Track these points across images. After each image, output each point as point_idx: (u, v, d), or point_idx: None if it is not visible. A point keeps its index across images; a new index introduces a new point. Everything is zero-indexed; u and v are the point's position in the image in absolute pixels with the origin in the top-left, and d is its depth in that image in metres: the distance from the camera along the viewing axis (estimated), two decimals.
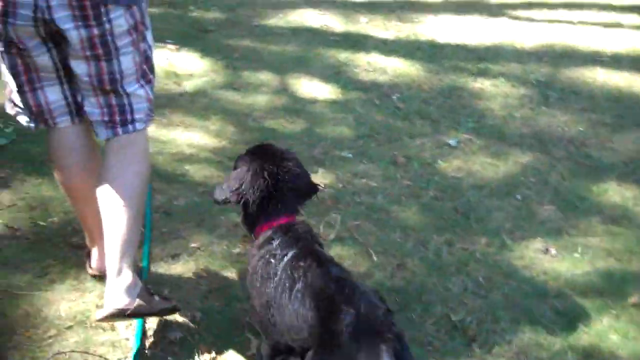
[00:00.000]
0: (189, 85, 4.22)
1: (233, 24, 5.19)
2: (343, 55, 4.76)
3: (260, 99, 4.13)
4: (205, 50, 4.69)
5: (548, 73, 4.65)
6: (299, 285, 1.93)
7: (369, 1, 5.74)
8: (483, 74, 4.60)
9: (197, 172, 3.35)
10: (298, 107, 4.07)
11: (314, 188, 2.19)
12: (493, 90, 4.39)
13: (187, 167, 3.40)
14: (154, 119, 2.36)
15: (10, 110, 2.27)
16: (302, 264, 1.98)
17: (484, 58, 4.83)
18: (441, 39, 5.12)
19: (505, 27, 5.36)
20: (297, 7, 5.56)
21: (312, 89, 4.28)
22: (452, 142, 3.77)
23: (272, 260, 2.03)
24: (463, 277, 2.79)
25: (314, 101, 4.14)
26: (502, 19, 5.50)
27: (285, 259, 2.02)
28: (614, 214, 3.27)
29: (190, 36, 4.88)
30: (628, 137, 3.93)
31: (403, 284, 2.73)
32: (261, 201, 2.08)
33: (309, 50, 4.81)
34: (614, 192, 3.44)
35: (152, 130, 3.58)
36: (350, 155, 3.60)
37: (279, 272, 2.00)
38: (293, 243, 2.04)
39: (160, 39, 4.65)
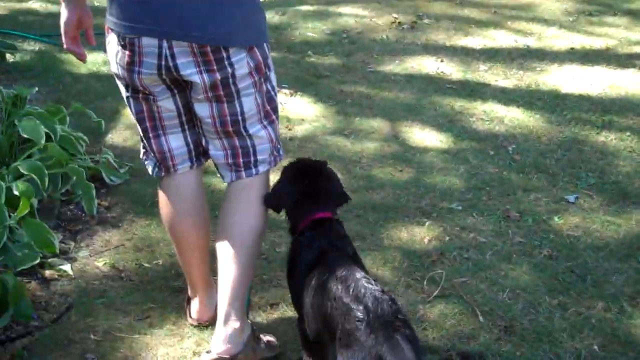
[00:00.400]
0: (300, 130, 4.22)
1: (348, 69, 5.19)
2: (458, 104, 4.64)
3: (370, 146, 4.07)
4: (319, 96, 4.70)
5: None
6: (313, 283, 2.03)
7: (490, 48, 5.60)
8: (608, 127, 4.34)
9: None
10: (408, 155, 3.98)
11: (344, 196, 2.36)
12: (618, 144, 4.13)
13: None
14: (280, 161, 2.34)
15: (142, 155, 2.33)
16: (321, 259, 2.09)
17: (609, 110, 4.57)
18: (564, 89, 4.90)
19: (634, 78, 5.07)
20: (414, 54, 5.50)
21: (424, 137, 4.18)
22: (570, 198, 3.56)
23: (301, 252, 2.17)
24: (577, 344, 2.58)
25: (424, 150, 4.04)
26: (630, 70, 5.21)
27: (310, 253, 2.14)
28: None
29: (305, 81, 4.91)
30: None
31: (511, 349, 2.55)
32: (296, 204, 2.27)
33: (423, 98, 4.72)
34: None
35: None
36: (459, 207, 3.47)
37: (302, 266, 2.14)
38: (320, 237, 2.16)
39: (277, 83, 4.69)
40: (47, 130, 3.14)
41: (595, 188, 3.67)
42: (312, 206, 2.25)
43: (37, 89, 3.98)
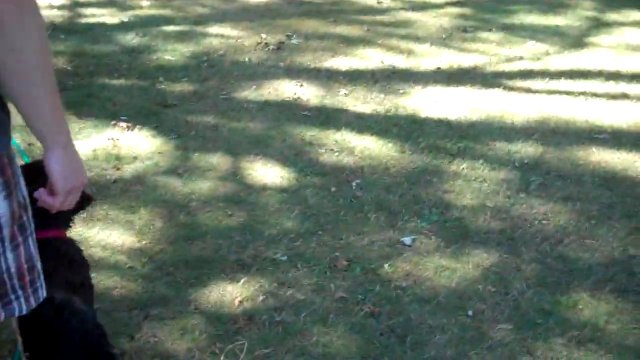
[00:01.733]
0: (128, 170, 3.85)
1: (200, 97, 4.84)
2: (310, 134, 4.34)
3: (203, 186, 3.73)
4: (160, 128, 4.33)
5: (535, 153, 4.14)
6: None
7: (354, 70, 5.35)
8: (462, 154, 4.12)
9: (100, 282, 2.93)
10: (242, 196, 3.65)
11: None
12: (469, 174, 3.91)
13: (91, 274, 2.98)
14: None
15: None
16: None
17: (466, 136, 4.36)
18: (424, 113, 4.67)
19: (497, 99, 4.89)
20: (273, 78, 5.19)
21: (265, 174, 3.86)
22: (407, 240, 3.30)
23: None
24: None
25: (262, 189, 3.72)
26: (496, 90, 5.02)
27: None
28: (580, 335, 2.74)
29: (148, 112, 4.54)
30: (614, 232, 3.39)
31: None
32: None
33: (274, 128, 4.41)
34: (585, 305, 2.90)
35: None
36: (284, 257, 3.16)
37: None
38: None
39: (114, 116, 4.32)
40: None
41: (436, 226, 3.42)
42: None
43: None
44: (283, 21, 6.50)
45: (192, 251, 3.18)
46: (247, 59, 5.55)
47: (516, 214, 3.53)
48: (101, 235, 3.27)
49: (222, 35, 6.08)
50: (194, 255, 3.15)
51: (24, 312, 1.71)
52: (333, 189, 3.74)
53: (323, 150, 4.16)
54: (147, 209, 3.49)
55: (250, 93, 4.92)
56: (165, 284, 2.95)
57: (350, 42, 5.98)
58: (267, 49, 5.79)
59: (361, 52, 5.76)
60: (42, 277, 1.78)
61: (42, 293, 1.78)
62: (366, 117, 4.63)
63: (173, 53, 5.63)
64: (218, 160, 4.00)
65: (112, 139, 4.15)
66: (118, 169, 3.88)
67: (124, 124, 4.35)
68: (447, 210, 3.57)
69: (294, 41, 5.97)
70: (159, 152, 4.07)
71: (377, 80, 5.20)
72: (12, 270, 1.63)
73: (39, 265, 1.76)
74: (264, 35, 6.05)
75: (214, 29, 6.25)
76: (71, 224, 2.19)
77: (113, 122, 4.37)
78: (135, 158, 4.00)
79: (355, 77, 5.24)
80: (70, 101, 4.63)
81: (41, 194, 1.57)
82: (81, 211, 2.27)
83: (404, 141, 4.29)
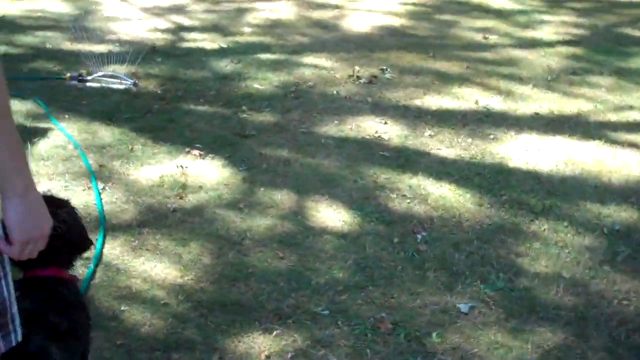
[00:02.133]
0: (190, 201, 3.76)
1: (279, 129, 4.72)
2: (384, 176, 4.12)
3: (261, 224, 3.58)
4: (231, 159, 4.24)
5: (629, 219, 3.74)
6: None
7: (445, 109, 5.09)
8: (546, 213, 3.77)
9: (131, 316, 2.83)
10: (298, 238, 3.47)
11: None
12: (549, 237, 3.56)
13: (124, 307, 2.90)
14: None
15: None
16: None
17: (554, 192, 4.00)
18: (512, 163, 4.34)
19: (597, 153, 4.48)
20: (358, 113, 5.01)
21: (327, 216, 3.67)
22: (463, 307, 3.00)
23: None
24: None
25: (320, 232, 3.53)
26: (596, 142, 4.62)
27: None
28: None
29: (224, 141, 4.46)
30: None
31: None
32: None
33: (347, 167, 4.21)
34: None
35: (116, 253, 3.16)
36: (326, 312, 2.95)
37: None
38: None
39: (189, 143, 4.27)
40: None
41: (501, 295, 3.11)
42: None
43: None
44: (380, 54, 6.31)
45: (231, 294, 3.03)
46: (335, 92, 5.40)
47: (594, 290, 3.15)
48: (145, 266, 3.18)
49: (315, 66, 5.97)
50: (233, 298, 2.99)
51: None
52: (395, 240, 3.49)
53: (394, 196, 3.92)
54: (199, 243, 3.38)
55: (331, 128, 4.75)
56: (195, 327, 2.80)
57: (446, 79, 5.71)
58: (358, 82, 5.62)
59: (456, 91, 5.48)
60: (16, 321, 1.67)
61: (15, 338, 1.66)
62: (448, 162, 4.34)
63: (262, 82, 5.56)
64: (282, 197, 3.85)
65: (182, 166, 4.09)
66: (181, 197, 3.79)
67: (197, 152, 4.28)
68: (516, 276, 3.24)
69: (387, 75, 5.77)
70: (225, 184, 3.96)
71: (467, 123, 4.90)
72: None
73: (14, 308, 1.65)
74: (357, 68, 5.89)
75: (308, 59, 6.14)
76: (73, 264, 2.07)
77: (187, 150, 4.31)
78: (200, 188, 3.91)
79: (444, 118, 4.97)
80: (149, 125, 4.63)
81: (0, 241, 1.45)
82: (83, 254, 2.14)
83: (484, 193, 3.98)
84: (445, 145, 4.57)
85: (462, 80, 5.71)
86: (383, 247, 3.44)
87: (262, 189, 3.94)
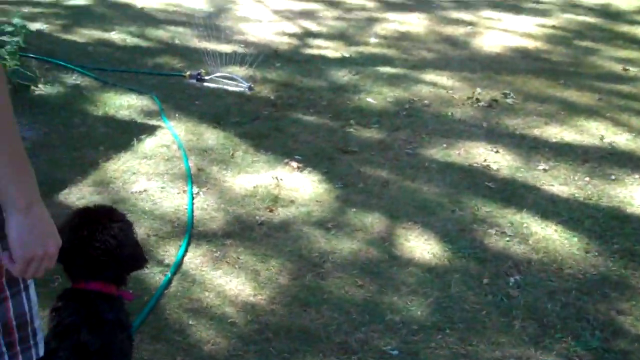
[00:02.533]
0: (279, 215, 3.70)
1: (384, 147, 4.59)
2: (485, 209, 3.89)
3: (345, 247, 3.47)
4: (329, 175, 4.15)
5: None
6: None
7: (565, 143, 4.76)
8: None
9: (197, 331, 2.80)
10: (382, 267, 3.33)
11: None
12: None
13: (192, 321, 2.86)
14: None
15: None
16: None
17: None
18: (630, 209, 4.00)
19: None
20: (469, 138, 4.78)
21: (416, 246, 3.50)
22: None
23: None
24: None
25: (406, 263, 3.37)
26: None
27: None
28: None
29: (325, 155, 4.38)
30: None
31: None
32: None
33: (448, 195, 4.01)
34: None
35: (197, 263, 3.15)
36: (394, 352, 2.79)
37: None
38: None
39: (289, 154, 4.23)
40: None
41: (592, 355, 2.83)
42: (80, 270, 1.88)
43: None
44: (507, 76, 6.02)
45: (301, 319, 2.93)
46: (450, 113, 5.19)
47: None
48: (222, 280, 3.14)
49: (434, 84, 5.77)
50: (302, 325, 2.89)
51: None
52: (485, 281, 3.27)
53: (493, 231, 3.68)
54: (279, 261, 3.31)
55: (437, 151, 4.56)
56: (256, 352, 2.72)
57: (573, 110, 5.35)
58: (476, 105, 5.38)
59: (581, 124, 5.11)
60: (38, 335, 1.64)
61: (36, 353, 1.63)
62: (559, 200, 4.04)
63: (376, 96, 5.43)
64: (373, 221, 3.71)
65: (277, 178, 4.04)
66: (271, 210, 3.74)
67: (295, 164, 4.22)
68: (614, 336, 2.94)
69: (509, 100, 5.48)
70: (317, 200, 3.88)
71: (587, 160, 4.55)
72: None
73: (36, 322, 1.61)
74: (479, 90, 5.64)
75: (429, 76, 5.96)
76: (124, 281, 2.03)
77: (286, 160, 4.26)
78: (291, 202, 3.84)
79: (563, 152, 4.64)
80: (255, 131, 4.62)
81: (4, 257, 1.41)
82: (135, 271, 2.10)
83: (593, 239, 3.66)
84: (559, 182, 4.25)
85: (590, 112, 5.33)
86: (470, 287, 3.22)
87: (353, 209, 3.82)
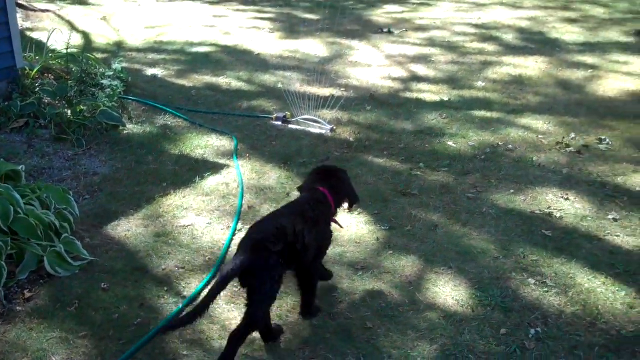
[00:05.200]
0: None
1: (446, 190, 4.53)
2: (533, 257, 3.72)
3: (370, 288, 3.49)
4: (379, 216, 4.21)
5: None
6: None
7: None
8: None
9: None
10: (397, 311, 3.31)
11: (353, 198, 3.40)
12: None
13: (186, 352, 2.97)
14: None
15: None
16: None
17: None
18: None
19: None
20: (541, 185, 4.59)
21: (442, 292, 3.43)
22: None
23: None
24: None
25: (424, 309, 3.31)
26: None
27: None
28: None
29: (380, 197, 4.42)
30: None
31: None
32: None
33: (496, 242, 3.89)
34: None
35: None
36: None
37: None
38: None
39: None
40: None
41: None
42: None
43: (23, 167, 4.05)
44: (611, 122, 5.69)
45: (294, 358, 2.93)
46: (533, 158, 4.99)
47: None
48: (231, 314, 3.24)
49: (527, 128, 5.58)
50: None
51: None
52: (503, 331, 3.13)
53: (532, 281, 3.51)
54: (295, 299, 3.34)
55: (502, 197, 4.40)
56: None
57: None
58: (564, 150, 5.14)
59: None
60: None
61: None
62: (619, 252, 3.77)
63: (459, 140, 5.35)
64: (406, 264, 3.66)
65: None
66: None
67: (346, 205, 4.23)
68: None
69: (602, 146, 5.18)
70: (357, 242, 3.92)
71: None
72: None
73: None
74: (572, 135, 5.38)
75: (525, 120, 5.77)
76: None
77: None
78: (334, 239, 3.85)
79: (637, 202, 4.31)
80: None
81: None
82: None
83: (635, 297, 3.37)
84: (626, 233, 3.96)
85: None
86: (483, 336, 3.08)
87: (390, 252, 3.78)
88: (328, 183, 3.24)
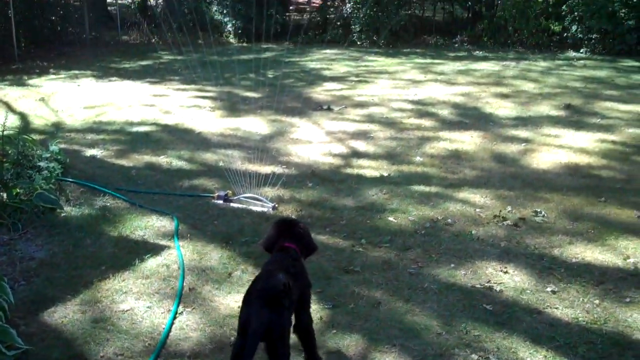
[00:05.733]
0: None
1: (388, 267, 4.57)
2: (475, 333, 3.75)
3: None
4: (321, 295, 4.18)
5: None
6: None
7: (587, 263, 4.55)
8: None
9: None
10: None
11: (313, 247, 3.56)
12: None
13: None
14: None
15: None
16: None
17: None
18: (638, 334, 3.70)
19: None
20: (480, 259, 4.64)
21: None
22: None
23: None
24: None
25: None
26: None
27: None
28: None
29: (323, 275, 4.43)
30: None
31: None
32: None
33: (439, 317, 3.91)
34: None
35: None
36: None
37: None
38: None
39: None
40: None
41: None
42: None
43: None
44: (545, 194, 5.86)
45: None
46: (472, 232, 5.07)
47: None
48: None
49: (465, 202, 5.69)
50: None
51: None
52: None
53: (475, 357, 3.53)
54: None
55: (442, 271, 4.45)
56: None
57: (606, 228, 5.11)
58: (501, 223, 5.24)
59: (610, 243, 4.87)
60: None
61: None
62: (559, 324, 3.83)
63: (399, 215, 5.41)
64: (350, 343, 3.63)
65: None
66: None
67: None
68: None
69: (538, 218, 5.31)
70: None
71: (603, 281, 4.30)
72: None
73: None
74: (509, 208, 5.51)
75: (462, 194, 5.88)
76: None
77: None
78: None
79: (578, 272, 4.42)
80: (259, 251, 4.62)
81: None
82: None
83: None
84: (565, 305, 4.03)
85: (623, 230, 5.07)
86: None
87: (334, 331, 3.76)
88: (292, 237, 3.44)
